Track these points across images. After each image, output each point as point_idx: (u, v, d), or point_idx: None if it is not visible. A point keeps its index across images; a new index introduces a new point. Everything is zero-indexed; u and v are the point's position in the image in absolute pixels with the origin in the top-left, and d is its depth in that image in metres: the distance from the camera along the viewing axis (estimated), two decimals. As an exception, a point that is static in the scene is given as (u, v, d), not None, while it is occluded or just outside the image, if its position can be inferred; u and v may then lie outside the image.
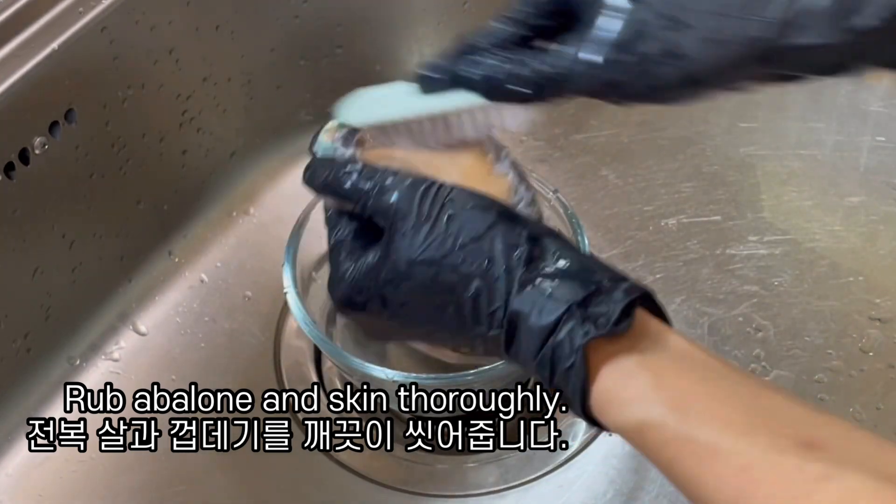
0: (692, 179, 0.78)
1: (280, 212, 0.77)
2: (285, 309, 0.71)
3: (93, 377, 0.70)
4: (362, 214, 0.49)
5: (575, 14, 0.48)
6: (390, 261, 0.47)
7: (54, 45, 0.62)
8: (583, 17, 0.47)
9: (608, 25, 0.45)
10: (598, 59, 0.46)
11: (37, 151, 0.63)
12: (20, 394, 0.67)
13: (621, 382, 0.42)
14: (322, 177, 0.50)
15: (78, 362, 0.70)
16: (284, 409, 0.67)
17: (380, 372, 0.55)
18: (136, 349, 0.71)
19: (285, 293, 0.57)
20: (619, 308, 0.42)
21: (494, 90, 0.48)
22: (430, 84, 0.50)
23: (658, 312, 0.45)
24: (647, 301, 0.44)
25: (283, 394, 0.68)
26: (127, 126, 0.69)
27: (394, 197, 0.47)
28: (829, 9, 0.42)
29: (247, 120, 0.78)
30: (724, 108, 0.82)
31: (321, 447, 0.65)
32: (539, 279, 0.44)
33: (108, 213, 0.70)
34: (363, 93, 0.53)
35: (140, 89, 0.68)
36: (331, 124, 0.54)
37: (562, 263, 0.44)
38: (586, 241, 0.59)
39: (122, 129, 0.68)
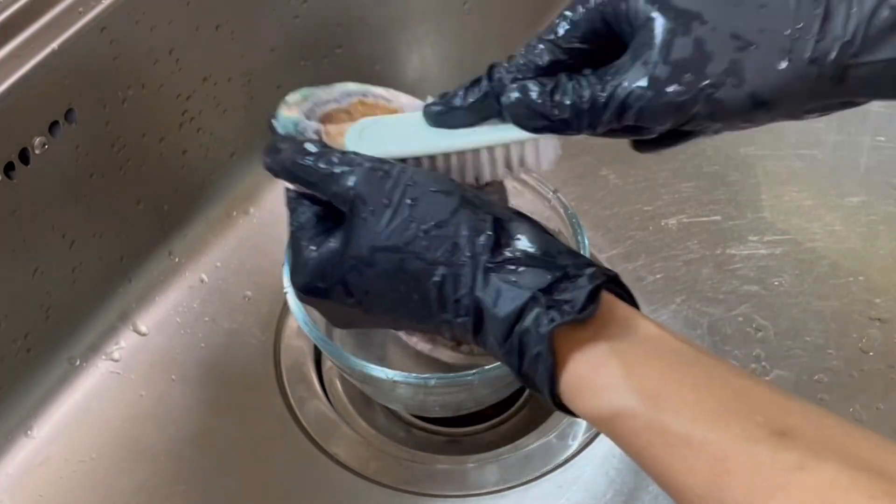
0: (692, 179, 0.78)
1: (280, 212, 0.76)
2: (285, 309, 0.71)
3: (93, 377, 0.70)
4: (321, 198, 0.48)
5: (617, 36, 0.46)
6: (352, 247, 0.45)
7: (54, 45, 0.62)
8: (634, 38, 0.45)
9: (668, 45, 0.43)
10: (662, 77, 0.44)
11: (37, 151, 0.63)
12: (20, 394, 0.67)
13: (591, 370, 0.41)
14: (280, 160, 0.48)
15: (78, 362, 0.70)
16: (284, 408, 0.68)
17: (380, 372, 0.55)
18: (136, 349, 0.71)
19: (285, 293, 0.57)
20: (585, 294, 0.41)
21: (536, 116, 0.46)
22: (442, 116, 0.48)
23: (627, 297, 0.44)
24: (614, 285, 0.44)
25: (283, 394, 0.69)
26: (127, 126, 0.69)
27: (352, 181, 0.45)
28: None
29: (247, 120, 0.78)
30: (724, 108, 0.82)
31: (321, 447, 0.66)
32: (504, 265, 0.43)
33: (108, 213, 0.70)
34: (373, 121, 0.50)
35: (140, 89, 0.68)
36: (292, 96, 0.51)
37: (527, 248, 0.44)
38: (586, 241, 0.59)
39: (122, 129, 0.68)
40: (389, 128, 0.50)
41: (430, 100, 0.49)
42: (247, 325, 0.72)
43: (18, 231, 0.64)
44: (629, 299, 0.45)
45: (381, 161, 0.46)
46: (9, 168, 0.61)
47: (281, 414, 0.67)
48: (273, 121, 0.51)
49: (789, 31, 0.43)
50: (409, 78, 0.83)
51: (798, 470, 0.36)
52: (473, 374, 0.55)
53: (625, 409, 0.40)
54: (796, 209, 0.76)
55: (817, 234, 0.74)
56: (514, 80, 0.47)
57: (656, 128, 0.46)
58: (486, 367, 0.55)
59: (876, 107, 0.81)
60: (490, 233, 0.44)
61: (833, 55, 0.42)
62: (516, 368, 0.43)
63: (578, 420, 0.64)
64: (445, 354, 0.57)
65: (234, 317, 0.73)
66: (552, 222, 0.63)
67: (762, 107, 0.44)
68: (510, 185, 0.63)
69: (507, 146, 0.48)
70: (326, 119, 0.51)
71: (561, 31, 0.46)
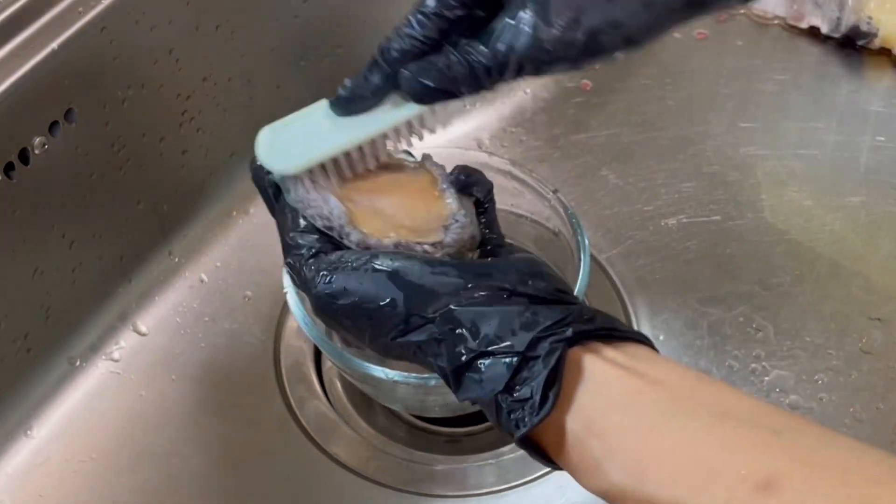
0: (692, 179, 0.78)
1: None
2: (285, 309, 0.71)
3: (93, 377, 0.70)
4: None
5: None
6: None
7: (54, 45, 0.62)
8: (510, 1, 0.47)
9: (543, 4, 0.46)
10: (547, 38, 0.46)
11: (37, 151, 0.63)
12: (20, 394, 0.67)
13: (577, 453, 0.42)
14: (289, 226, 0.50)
15: (78, 362, 0.70)
16: (284, 409, 0.68)
17: (380, 372, 0.55)
18: (136, 349, 0.71)
19: (285, 293, 0.57)
20: (539, 390, 0.41)
21: (431, 92, 0.48)
22: (353, 104, 0.50)
23: (601, 329, 0.44)
24: (581, 336, 0.43)
25: (283, 394, 0.69)
26: (127, 126, 0.69)
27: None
28: None
29: (247, 120, 0.77)
30: (724, 108, 0.82)
31: (321, 447, 0.66)
32: (468, 363, 0.43)
33: (108, 213, 0.70)
34: (276, 129, 0.51)
35: (140, 89, 0.68)
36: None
37: (484, 334, 0.43)
38: (586, 241, 0.59)
39: (122, 129, 0.68)
40: (299, 130, 0.51)
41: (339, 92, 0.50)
42: (247, 325, 0.72)
43: (18, 231, 0.64)
44: (604, 329, 0.44)
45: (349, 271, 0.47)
46: (9, 168, 0.61)
47: (281, 414, 0.67)
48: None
49: None
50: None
51: None
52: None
53: (614, 487, 0.40)
54: (796, 209, 0.76)
55: (817, 234, 0.74)
56: (404, 55, 0.48)
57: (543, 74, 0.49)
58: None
59: (876, 107, 0.81)
60: (448, 340, 0.44)
61: None
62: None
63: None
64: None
65: (234, 317, 0.73)
66: (552, 222, 0.63)
67: (633, 43, 0.47)
68: (510, 185, 0.63)
69: (413, 118, 0.50)
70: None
71: (438, 1, 0.48)
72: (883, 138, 0.79)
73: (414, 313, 0.44)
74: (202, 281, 0.75)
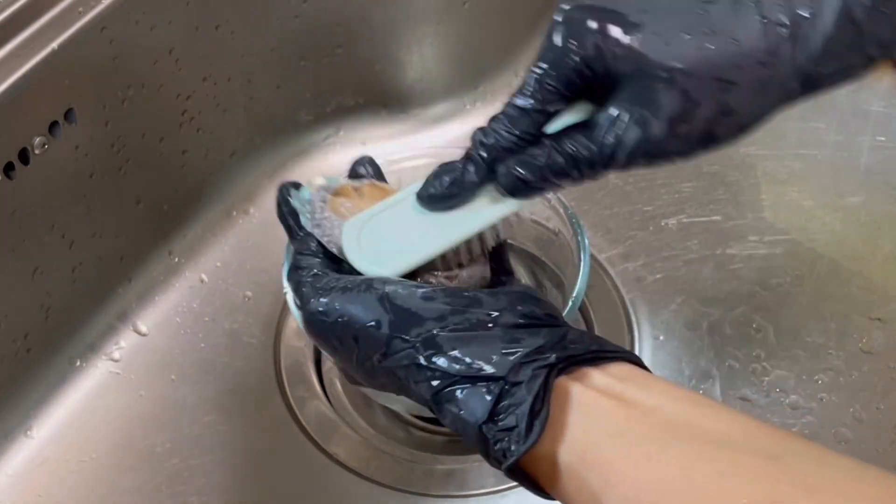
0: (692, 179, 0.78)
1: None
2: (285, 309, 0.71)
3: (93, 377, 0.70)
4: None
5: (597, 87, 0.46)
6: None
7: (54, 45, 0.62)
8: (617, 93, 0.45)
9: (655, 102, 0.44)
10: (658, 133, 0.44)
11: (37, 151, 0.63)
12: (20, 394, 0.67)
13: (573, 485, 0.41)
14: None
15: (78, 362, 0.70)
16: (284, 409, 0.68)
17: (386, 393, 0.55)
18: (136, 349, 0.71)
19: (285, 293, 0.57)
20: (524, 418, 0.41)
21: (530, 188, 0.47)
22: (446, 202, 0.48)
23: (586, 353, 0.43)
24: (563, 363, 0.42)
25: (283, 394, 0.69)
26: (127, 126, 0.69)
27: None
28: (855, 26, 0.43)
29: (247, 120, 0.78)
30: (725, 108, 0.82)
31: (321, 447, 0.66)
32: (448, 390, 0.43)
33: (108, 213, 0.70)
34: (361, 223, 0.49)
35: (140, 89, 0.68)
36: (317, 179, 0.53)
37: (455, 368, 0.43)
38: (586, 242, 0.59)
39: (122, 129, 0.68)
40: (385, 227, 0.49)
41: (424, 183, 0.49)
42: (247, 325, 0.72)
43: (18, 231, 0.64)
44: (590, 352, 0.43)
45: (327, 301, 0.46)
46: (9, 168, 0.61)
47: (281, 414, 0.67)
48: (293, 190, 0.52)
49: (764, 61, 0.44)
50: (409, 78, 0.83)
51: None
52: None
53: None
54: (796, 209, 0.76)
55: (817, 234, 0.74)
56: (500, 150, 0.47)
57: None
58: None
59: (876, 107, 0.81)
60: (425, 365, 0.43)
61: (808, 72, 0.44)
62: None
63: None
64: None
65: (234, 317, 0.73)
66: (552, 222, 0.63)
67: (746, 129, 0.46)
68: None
69: (513, 213, 0.49)
70: (337, 192, 0.52)
71: (536, 93, 0.46)
72: (883, 138, 0.79)
73: (396, 336, 0.44)
74: (202, 281, 0.75)
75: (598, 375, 0.42)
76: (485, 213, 0.48)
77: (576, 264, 0.59)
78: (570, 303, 0.56)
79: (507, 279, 0.53)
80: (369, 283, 0.46)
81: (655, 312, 0.70)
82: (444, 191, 0.48)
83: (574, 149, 0.45)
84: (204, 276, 0.75)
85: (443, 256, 0.49)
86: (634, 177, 0.78)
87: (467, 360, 0.43)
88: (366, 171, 0.55)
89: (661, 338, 0.69)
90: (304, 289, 0.48)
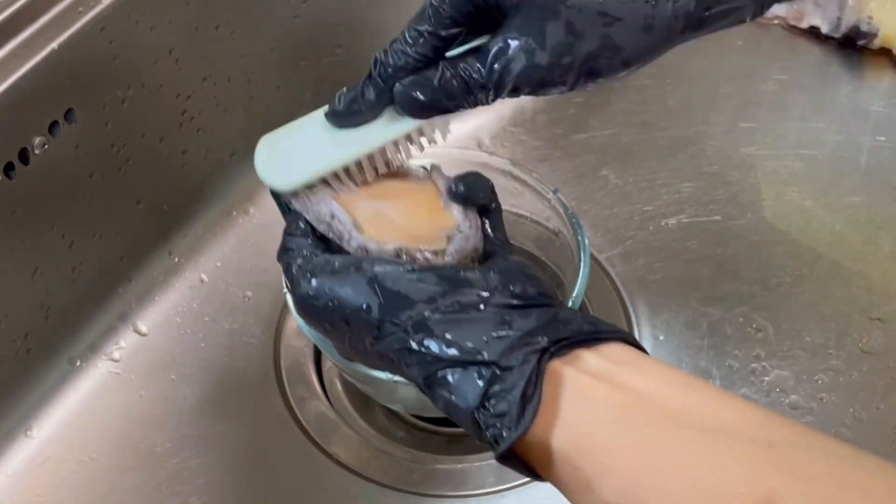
0: (692, 179, 0.78)
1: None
2: (285, 309, 0.71)
3: (93, 377, 0.70)
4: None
5: (491, 17, 0.48)
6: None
7: (54, 45, 0.62)
8: (507, 21, 0.47)
9: (541, 30, 0.46)
10: (542, 62, 0.46)
11: (37, 151, 0.63)
12: (20, 394, 0.67)
13: (566, 471, 0.41)
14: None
15: (78, 362, 0.70)
16: (284, 409, 0.68)
17: (380, 372, 0.55)
18: (136, 349, 0.71)
19: (285, 293, 0.57)
20: (516, 405, 0.40)
21: (425, 107, 0.48)
22: (349, 118, 0.50)
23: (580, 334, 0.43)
24: (557, 345, 0.42)
25: (283, 394, 0.69)
26: (127, 126, 0.69)
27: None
28: None
29: (247, 120, 0.78)
30: (725, 108, 0.82)
31: (321, 447, 0.66)
32: (439, 374, 0.43)
33: (108, 213, 0.70)
34: (273, 141, 0.51)
35: (140, 89, 0.68)
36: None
37: (450, 353, 0.42)
38: (586, 242, 0.59)
39: (122, 129, 0.68)
40: (297, 142, 0.51)
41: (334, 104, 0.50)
42: (247, 325, 0.72)
43: (18, 231, 0.64)
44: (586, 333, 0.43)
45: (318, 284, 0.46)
46: (9, 168, 0.61)
47: (281, 414, 0.67)
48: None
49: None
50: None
51: None
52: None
53: None
54: (796, 209, 0.76)
55: (817, 234, 0.74)
56: (398, 71, 0.48)
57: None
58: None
59: (876, 107, 0.81)
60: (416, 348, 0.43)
61: (691, 10, 0.46)
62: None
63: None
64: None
65: (234, 317, 0.73)
66: (552, 222, 0.63)
67: (631, 65, 0.48)
68: (510, 185, 0.63)
69: (412, 131, 0.50)
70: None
71: (433, 19, 0.48)
72: (883, 138, 0.79)
73: (387, 320, 0.44)
74: (202, 281, 0.75)
75: (592, 358, 0.42)
76: (386, 130, 0.50)
77: (576, 264, 0.59)
78: (570, 303, 0.57)
79: (501, 248, 0.52)
80: (358, 265, 0.46)
81: (655, 312, 0.70)
82: (345, 108, 0.49)
83: (465, 71, 0.47)
84: (204, 276, 0.75)
85: (347, 171, 0.50)
86: (634, 177, 0.78)
87: (459, 343, 0.42)
88: None
89: (661, 338, 0.69)
90: (293, 271, 0.48)
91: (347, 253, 0.49)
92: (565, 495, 0.42)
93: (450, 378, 0.42)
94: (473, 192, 0.52)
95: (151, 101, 0.70)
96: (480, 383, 0.41)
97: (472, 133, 0.81)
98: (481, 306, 0.43)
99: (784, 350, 0.68)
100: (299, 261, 0.48)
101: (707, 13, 0.47)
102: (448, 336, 0.43)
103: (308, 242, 0.49)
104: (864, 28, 0.82)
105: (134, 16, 0.66)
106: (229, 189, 0.78)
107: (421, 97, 0.48)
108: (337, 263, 0.46)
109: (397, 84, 0.48)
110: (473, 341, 0.42)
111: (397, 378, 0.54)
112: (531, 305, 0.44)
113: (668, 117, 0.82)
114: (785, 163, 0.78)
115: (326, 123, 0.50)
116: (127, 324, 0.72)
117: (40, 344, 0.68)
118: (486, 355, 0.42)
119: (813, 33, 0.85)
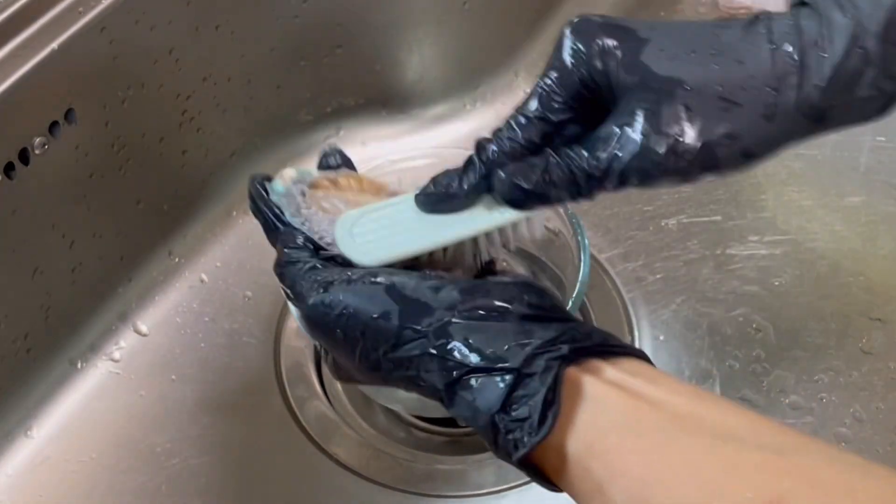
0: (692, 179, 0.78)
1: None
2: (285, 309, 0.71)
3: (93, 377, 0.70)
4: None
5: (603, 101, 0.46)
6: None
7: (54, 45, 0.62)
8: (618, 106, 0.45)
9: (656, 115, 0.44)
10: (655, 148, 0.44)
11: (37, 151, 0.63)
12: (20, 394, 0.67)
13: (578, 475, 0.41)
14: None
15: (78, 363, 0.70)
16: (284, 409, 0.68)
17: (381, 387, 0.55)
18: (136, 349, 0.71)
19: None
20: (538, 408, 0.41)
21: (527, 196, 0.46)
22: (443, 204, 0.48)
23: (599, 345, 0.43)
24: (578, 354, 0.42)
25: (283, 394, 0.69)
26: (127, 126, 0.69)
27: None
28: (865, 55, 0.43)
29: (247, 120, 0.78)
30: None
31: (321, 447, 0.66)
32: (463, 379, 0.42)
33: (108, 213, 0.70)
34: (356, 216, 0.49)
35: (140, 89, 0.68)
36: (288, 171, 0.52)
37: (471, 358, 0.42)
38: (586, 242, 0.59)
39: (122, 129, 0.68)
40: (380, 222, 0.49)
41: (423, 186, 0.48)
42: (247, 325, 0.72)
43: (18, 231, 0.64)
44: (602, 345, 0.43)
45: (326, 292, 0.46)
46: (9, 168, 0.61)
47: (281, 414, 0.67)
48: (266, 183, 0.52)
49: (770, 86, 0.44)
50: (409, 78, 0.83)
51: None
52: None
53: None
54: (796, 209, 0.76)
55: (817, 234, 0.74)
56: (501, 157, 0.46)
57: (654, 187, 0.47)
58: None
59: (876, 107, 0.81)
60: (438, 354, 0.43)
61: (815, 102, 0.44)
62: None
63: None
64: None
65: (234, 317, 0.73)
66: (552, 222, 0.63)
67: (752, 157, 0.45)
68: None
69: (508, 225, 0.48)
70: (313, 185, 0.52)
71: (542, 104, 0.46)
72: (883, 138, 0.79)
73: (407, 327, 0.44)
74: (202, 281, 0.75)
75: (608, 368, 0.42)
76: (480, 219, 0.48)
77: (576, 264, 0.59)
78: (570, 303, 0.56)
79: (504, 270, 0.52)
80: (374, 275, 0.46)
81: (655, 312, 0.70)
82: (440, 192, 0.48)
83: (571, 159, 0.45)
84: (204, 276, 0.75)
85: (431, 256, 0.49)
86: (634, 177, 0.78)
87: (482, 349, 0.42)
88: (335, 161, 0.54)
89: (661, 338, 0.69)
90: (302, 283, 0.47)
91: (353, 266, 0.48)
92: (577, 501, 0.42)
93: (473, 382, 0.42)
94: None
95: (151, 101, 0.70)
96: (503, 388, 0.42)
97: (472, 133, 0.81)
98: (501, 315, 0.44)
99: (784, 350, 0.68)
100: (307, 272, 0.47)
101: (832, 105, 0.44)
102: (471, 341, 0.43)
103: (311, 255, 0.48)
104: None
105: (134, 16, 0.66)
106: (229, 189, 0.78)
107: (524, 184, 0.46)
108: (352, 274, 0.46)
109: (499, 171, 0.46)
110: (496, 348, 0.42)
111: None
112: (550, 317, 0.44)
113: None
114: (785, 163, 0.78)
115: (414, 207, 0.48)
116: (127, 324, 0.72)
117: (40, 344, 0.68)
118: (508, 362, 0.42)
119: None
